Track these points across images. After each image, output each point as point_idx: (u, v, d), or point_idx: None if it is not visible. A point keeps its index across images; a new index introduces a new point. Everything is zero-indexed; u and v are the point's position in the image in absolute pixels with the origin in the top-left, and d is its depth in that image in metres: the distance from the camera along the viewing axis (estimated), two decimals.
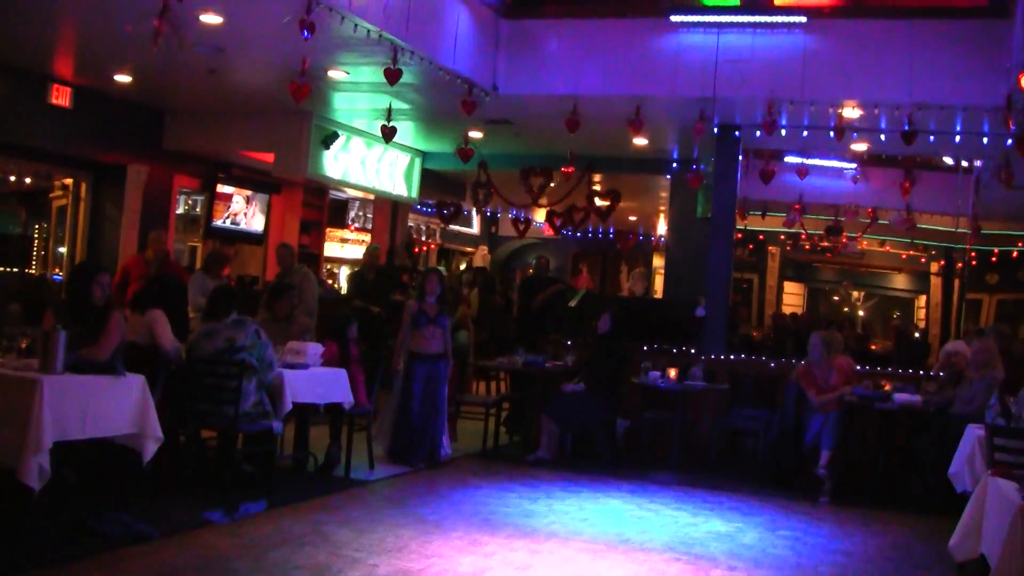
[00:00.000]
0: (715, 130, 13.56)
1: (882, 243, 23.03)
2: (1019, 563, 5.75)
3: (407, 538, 8.16)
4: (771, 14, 12.32)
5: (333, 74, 12.67)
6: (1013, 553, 5.81)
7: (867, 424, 11.96)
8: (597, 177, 17.79)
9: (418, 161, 18.59)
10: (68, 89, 14.07)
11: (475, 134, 15.66)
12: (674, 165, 16.77)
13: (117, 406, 7.56)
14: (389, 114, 12.92)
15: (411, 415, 11.33)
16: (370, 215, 20.64)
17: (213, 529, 7.99)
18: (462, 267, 24.53)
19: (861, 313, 26.90)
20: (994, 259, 21.88)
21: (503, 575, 7.30)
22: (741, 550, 8.67)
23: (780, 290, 25.89)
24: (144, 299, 9.12)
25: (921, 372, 12.96)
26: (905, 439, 11.73)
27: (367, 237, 20.22)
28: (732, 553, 8.52)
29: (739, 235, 19.19)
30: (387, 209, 19.73)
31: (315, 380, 9.92)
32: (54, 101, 13.94)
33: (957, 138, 12.92)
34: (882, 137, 13.24)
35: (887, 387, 11.95)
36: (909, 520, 10.48)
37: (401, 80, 11.32)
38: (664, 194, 18.82)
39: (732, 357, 13.36)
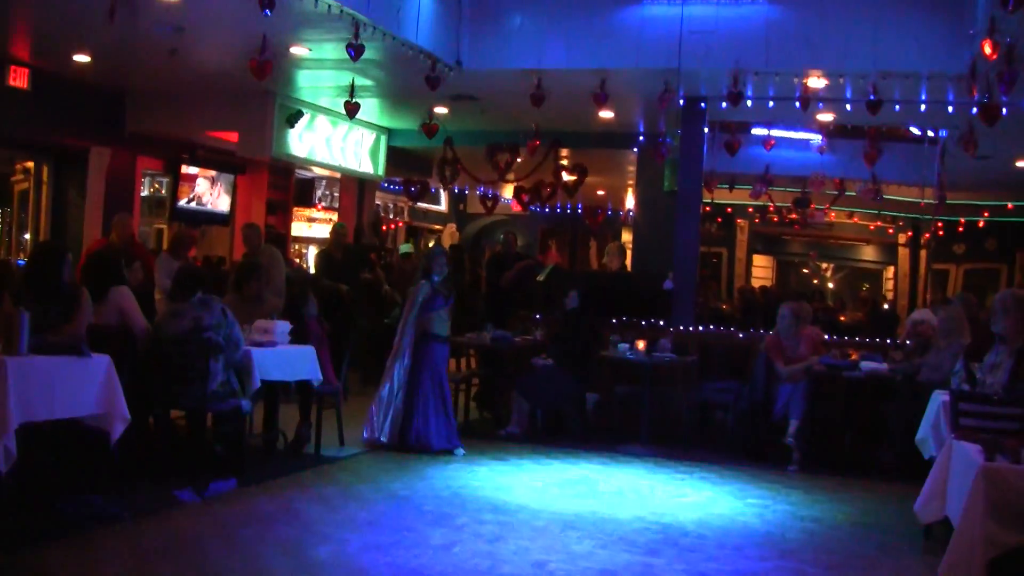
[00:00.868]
0: (680, 102, 13.56)
1: (850, 215, 23.12)
2: (981, 522, 5.81)
3: (378, 513, 8.17)
4: None
5: (295, 51, 12.61)
6: (975, 513, 5.86)
7: (835, 393, 12.00)
8: (564, 152, 17.76)
9: (384, 139, 18.53)
10: (26, 71, 13.92)
11: (440, 110, 15.63)
12: (641, 139, 16.78)
13: (83, 387, 7.53)
14: (352, 90, 12.86)
15: (431, 398, 11.08)
16: (337, 194, 20.57)
17: (184, 509, 7.97)
18: (430, 244, 24.48)
19: (831, 285, 27.03)
20: (961, 229, 22.02)
21: (474, 547, 7.31)
22: (711, 518, 8.71)
23: (749, 263, 25.99)
24: (101, 280, 9.02)
25: (889, 341, 13.02)
26: (873, 408, 11.78)
27: (334, 216, 20.14)
28: (702, 522, 8.56)
29: (707, 209, 19.26)
30: (354, 188, 19.68)
31: (283, 358, 9.89)
32: (12, 83, 13.78)
33: (922, 107, 12.95)
34: (847, 107, 13.30)
35: (854, 356, 12.01)
36: (877, 487, 10.54)
37: (364, 56, 11.26)
38: (631, 168, 18.85)
39: (701, 329, 13.40)
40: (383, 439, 10.99)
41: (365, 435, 11.06)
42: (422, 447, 10.93)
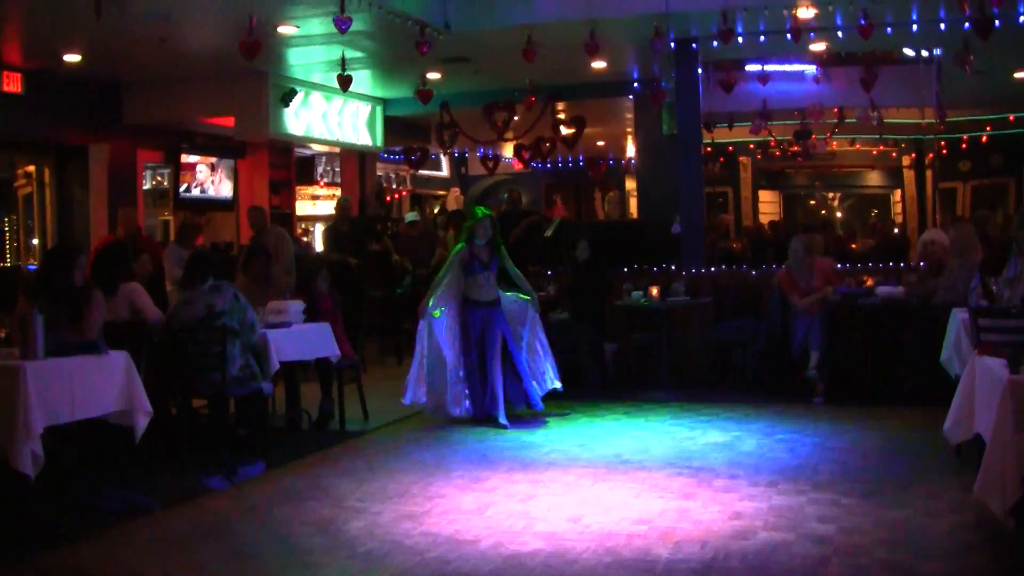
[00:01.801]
0: (672, 45, 13.47)
1: (852, 142, 23.00)
2: (1012, 436, 5.77)
3: (408, 483, 8.17)
4: None
5: (283, 30, 12.52)
6: (1005, 427, 5.83)
7: (853, 322, 11.99)
8: (561, 106, 17.70)
9: (380, 109, 18.47)
10: (18, 75, 13.86)
11: (434, 75, 15.55)
12: (636, 86, 16.69)
13: (104, 385, 7.54)
14: (343, 63, 12.80)
15: (471, 366, 10.81)
16: (338, 169, 20.50)
17: (214, 495, 7.99)
18: (435, 210, 24.43)
19: (839, 215, 26.93)
20: (964, 146, 21.89)
21: (506, 508, 7.32)
22: (741, 458, 8.73)
23: (755, 200, 25.85)
24: (110, 276, 9.02)
25: (902, 265, 13.00)
26: (892, 334, 11.77)
27: (337, 192, 20.08)
28: (732, 462, 8.58)
29: (708, 149, 19.18)
30: (354, 161, 19.63)
31: (299, 337, 9.94)
32: (5, 88, 13.72)
33: (914, 27, 12.87)
34: (839, 34, 13.19)
35: (869, 283, 11.99)
36: (902, 413, 10.57)
37: (352, 28, 11.18)
38: (629, 116, 18.74)
39: (713, 270, 13.38)
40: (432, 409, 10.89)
41: (455, 412, 10.79)
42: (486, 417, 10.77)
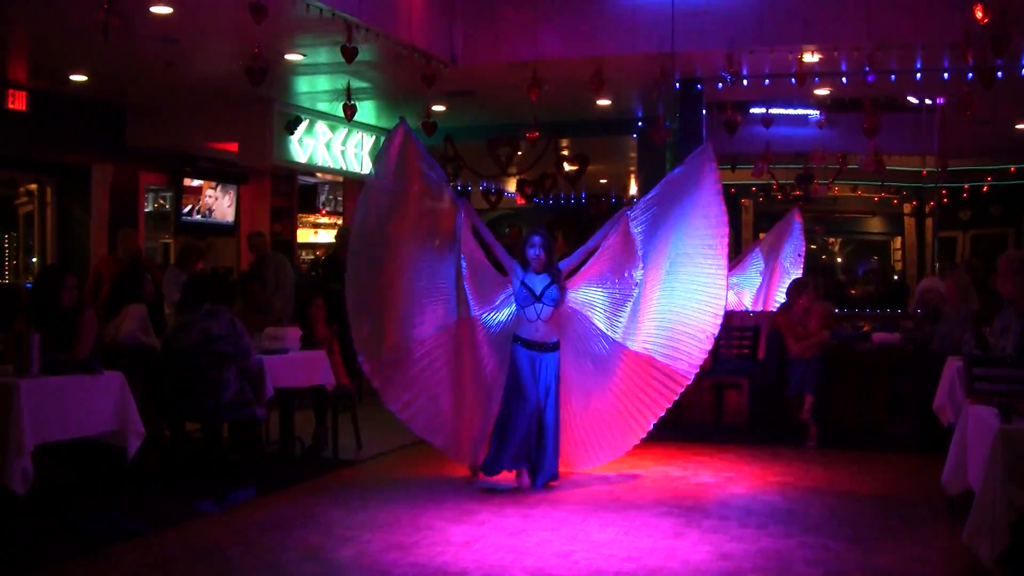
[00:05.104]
0: (676, 85, 13.53)
1: (854, 188, 23.04)
2: (1001, 486, 5.78)
3: (398, 513, 8.15)
4: None
5: (290, 57, 12.63)
6: (994, 476, 5.84)
7: (849, 367, 12.00)
8: (564, 143, 17.74)
9: (383, 140, 18.50)
10: (24, 93, 13.94)
11: (438, 108, 15.61)
12: (640, 124, 16.76)
13: (97, 404, 7.55)
14: (348, 93, 12.85)
15: (523, 416, 8.98)
16: (340, 198, 20.55)
17: (204, 519, 7.98)
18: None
19: (839, 260, 26.96)
20: (965, 195, 21.95)
21: (495, 541, 7.30)
22: (732, 500, 8.72)
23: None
24: (119, 297, 9.08)
25: (899, 312, 13.02)
26: (887, 379, 11.78)
27: (339, 221, 20.13)
28: (723, 503, 8.57)
29: None
30: (357, 191, 19.62)
31: (295, 364, 9.95)
32: (11, 106, 13.80)
33: (918, 76, 12.94)
34: (843, 80, 13.25)
35: (866, 328, 12.01)
36: (896, 459, 10.56)
37: (359, 58, 11.24)
38: (633, 155, 18.81)
39: None
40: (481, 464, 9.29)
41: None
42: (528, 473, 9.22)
